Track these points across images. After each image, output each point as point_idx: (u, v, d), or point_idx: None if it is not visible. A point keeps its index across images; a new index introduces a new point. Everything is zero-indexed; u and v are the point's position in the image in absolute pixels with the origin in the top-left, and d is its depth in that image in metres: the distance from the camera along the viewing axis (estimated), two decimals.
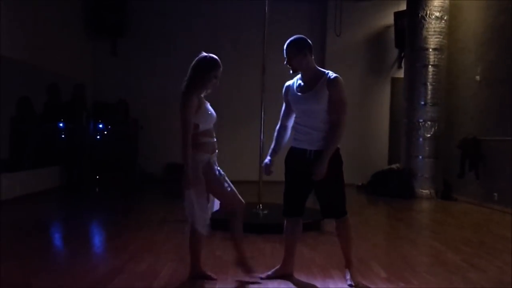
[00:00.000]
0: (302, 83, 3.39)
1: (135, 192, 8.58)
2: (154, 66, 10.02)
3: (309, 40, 3.40)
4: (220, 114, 3.49)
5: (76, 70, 9.18)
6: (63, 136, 8.38)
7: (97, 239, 5.13)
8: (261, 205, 5.44)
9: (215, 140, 3.42)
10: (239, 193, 3.44)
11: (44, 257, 3.95)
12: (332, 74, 3.32)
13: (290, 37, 3.42)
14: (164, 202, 7.91)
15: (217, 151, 3.44)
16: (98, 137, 8.95)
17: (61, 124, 8.31)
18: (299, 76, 3.44)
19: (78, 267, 3.70)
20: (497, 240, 5.22)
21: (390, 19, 9.85)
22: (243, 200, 3.46)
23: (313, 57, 3.40)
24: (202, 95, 3.37)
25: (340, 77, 3.32)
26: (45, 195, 7.48)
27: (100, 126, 8.98)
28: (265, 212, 5.36)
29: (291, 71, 3.43)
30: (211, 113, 3.38)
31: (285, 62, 3.40)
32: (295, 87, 3.42)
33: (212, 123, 3.40)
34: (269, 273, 3.52)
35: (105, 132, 9.01)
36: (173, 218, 5.64)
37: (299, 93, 3.37)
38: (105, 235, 5.19)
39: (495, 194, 7.19)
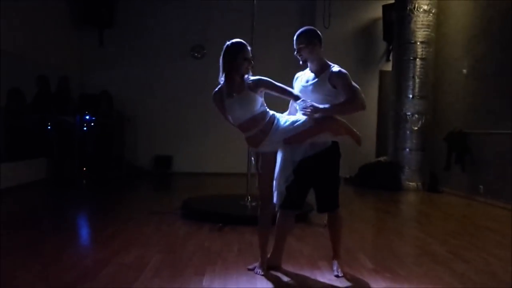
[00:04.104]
0: (309, 74, 3.39)
1: (122, 184, 8.53)
2: (142, 58, 9.94)
3: (319, 32, 3.39)
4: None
5: (63, 61, 9.07)
6: (50, 128, 8.30)
7: (84, 231, 5.09)
8: (249, 197, 5.45)
9: (250, 135, 3.28)
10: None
11: (31, 249, 3.91)
12: (335, 68, 3.30)
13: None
14: (151, 195, 7.89)
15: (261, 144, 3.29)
16: (85, 129, 8.86)
17: (49, 116, 8.23)
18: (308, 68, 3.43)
19: (65, 259, 3.67)
20: (482, 231, 5.29)
21: (378, 12, 9.87)
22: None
23: (322, 49, 3.38)
24: (246, 78, 3.27)
25: (344, 70, 3.30)
26: (31, 187, 7.41)
27: (87, 118, 8.89)
28: (254, 204, 5.36)
29: (300, 62, 3.41)
30: (229, 110, 3.27)
31: (295, 53, 3.38)
32: (303, 78, 3.43)
33: (235, 121, 3.29)
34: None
35: (92, 124, 8.92)
36: (161, 210, 5.63)
37: (303, 84, 3.38)
38: (92, 227, 5.15)
39: (481, 186, 7.27)
